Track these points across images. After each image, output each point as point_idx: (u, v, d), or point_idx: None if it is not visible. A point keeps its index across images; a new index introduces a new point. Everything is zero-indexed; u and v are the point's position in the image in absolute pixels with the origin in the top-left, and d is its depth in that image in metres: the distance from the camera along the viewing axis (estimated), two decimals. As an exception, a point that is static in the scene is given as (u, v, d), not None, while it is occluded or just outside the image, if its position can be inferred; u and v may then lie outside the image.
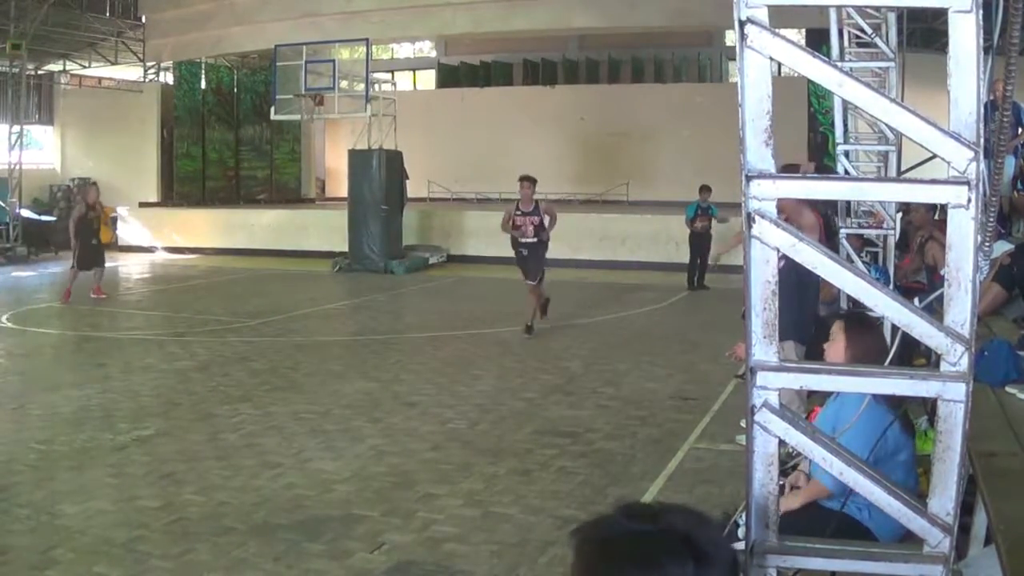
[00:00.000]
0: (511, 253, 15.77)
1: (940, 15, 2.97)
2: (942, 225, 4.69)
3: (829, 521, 4.39)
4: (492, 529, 7.37)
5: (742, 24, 2.78)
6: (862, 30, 13.06)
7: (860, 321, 6.00)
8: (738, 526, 5.79)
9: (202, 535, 7.18)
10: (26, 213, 31.52)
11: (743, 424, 7.81)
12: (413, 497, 8.08)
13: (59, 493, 8.15)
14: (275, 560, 6.74)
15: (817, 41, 19.68)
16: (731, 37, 31.78)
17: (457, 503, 7.95)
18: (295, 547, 6.96)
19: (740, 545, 3.30)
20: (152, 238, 32.29)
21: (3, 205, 30.39)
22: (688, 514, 1.94)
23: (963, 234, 2.68)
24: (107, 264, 21.33)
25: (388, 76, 35.64)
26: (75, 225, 20.28)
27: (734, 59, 2.87)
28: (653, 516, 1.91)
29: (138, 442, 9.68)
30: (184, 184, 35.09)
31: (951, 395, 2.75)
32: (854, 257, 12.13)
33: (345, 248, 27.05)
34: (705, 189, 22.15)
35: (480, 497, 8.10)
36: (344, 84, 27.76)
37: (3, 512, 7.68)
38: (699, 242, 22.10)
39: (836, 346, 5.88)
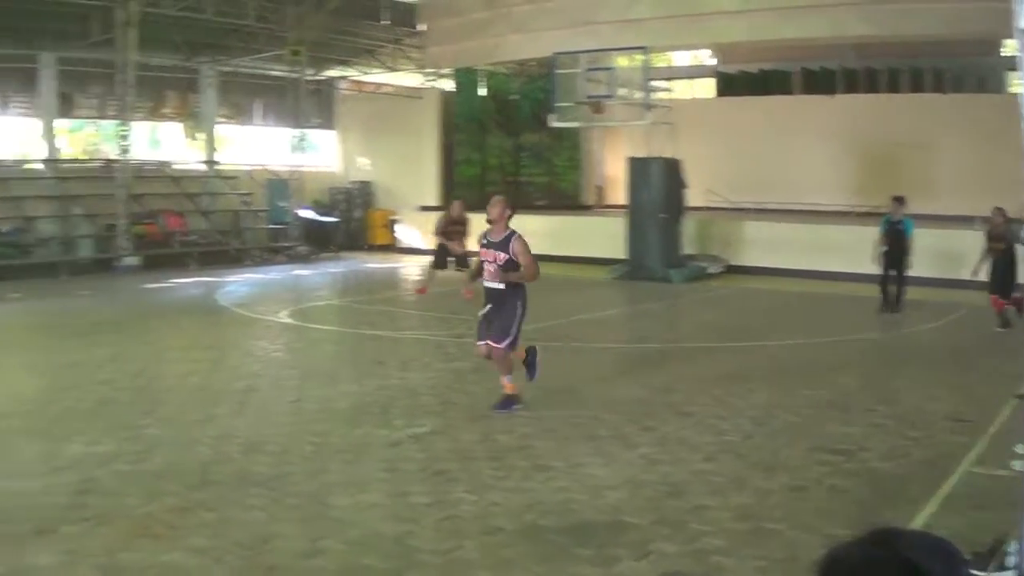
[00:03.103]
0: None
1: None
2: None
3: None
4: (761, 544, 7.20)
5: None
6: None
7: None
8: (1008, 555, 5.48)
9: (471, 533, 7.26)
10: (307, 214, 32.95)
11: (1019, 450, 7.34)
12: (684, 507, 7.97)
13: (331, 485, 8.42)
14: (541, 562, 6.75)
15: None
16: (1011, 47, 30.43)
17: (728, 516, 7.80)
18: (563, 551, 6.96)
19: (1010, 574, 3.08)
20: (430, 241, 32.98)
21: (285, 205, 31.68)
22: (925, 542, 1.93)
23: None
24: (388, 265, 21.92)
25: (666, 84, 35.49)
26: (438, 230, 21.99)
27: (1014, 69, 2.70)
28: (886, 542, 1.91)
29: (413, 439, 9.91)
30: (464, 189, 35.60)
31: None
32: None
33: (623, 255, 26.97)
34: (897, 201, 20.49)
35: (751, 511, 7.92)
36: (623, 92, 27.72)
37: (275, 501, 7.95)
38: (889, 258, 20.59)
39: None
